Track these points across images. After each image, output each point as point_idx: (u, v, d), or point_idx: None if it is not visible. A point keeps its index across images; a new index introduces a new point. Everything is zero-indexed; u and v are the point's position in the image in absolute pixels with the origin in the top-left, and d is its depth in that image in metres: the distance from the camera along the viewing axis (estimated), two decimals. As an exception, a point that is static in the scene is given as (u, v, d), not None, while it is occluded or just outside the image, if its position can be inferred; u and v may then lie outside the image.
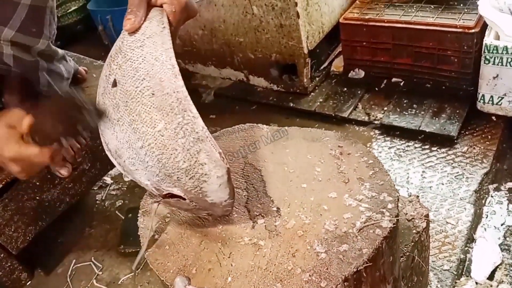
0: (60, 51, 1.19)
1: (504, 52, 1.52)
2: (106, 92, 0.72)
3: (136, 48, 0.70)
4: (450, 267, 1.27)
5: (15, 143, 0.78)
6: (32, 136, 0.80)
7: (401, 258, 0.88)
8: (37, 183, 1.22)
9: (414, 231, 0.93)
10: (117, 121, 0.70)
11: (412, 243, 0.91)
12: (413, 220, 0.95)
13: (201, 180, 0.68)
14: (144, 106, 0.67)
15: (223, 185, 0.69)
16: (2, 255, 1.20)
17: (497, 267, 1.29)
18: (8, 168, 0.82)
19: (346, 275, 0.66)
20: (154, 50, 0.69)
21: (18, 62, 1.04)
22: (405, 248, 0.90)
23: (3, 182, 1.14)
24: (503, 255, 1.30)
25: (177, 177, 0.68)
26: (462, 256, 1.31)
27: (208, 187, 0.68)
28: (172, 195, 0.72)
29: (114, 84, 0.70)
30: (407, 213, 0.97)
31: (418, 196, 1.00)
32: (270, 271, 0.70)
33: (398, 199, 0.75)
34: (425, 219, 0.94)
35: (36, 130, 0.80)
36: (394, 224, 0.71)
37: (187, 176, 0.67)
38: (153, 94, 0.66)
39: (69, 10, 3.30)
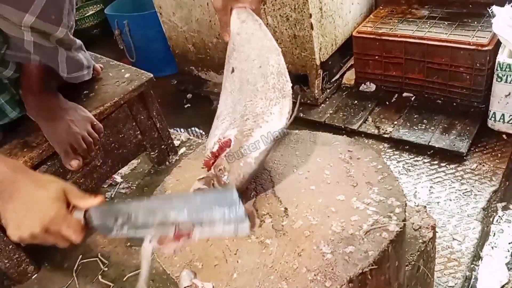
0: (78, 41, 1.21)
1: (517, 70, 1.53)
2: (227, 79, 0.92)
3: (246, 44, 0.91)
4: (455, 284, 1.26)
5: (64, 208, 0.72)
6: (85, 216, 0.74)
7: (407, 267, 0.88)
8: (49, 177, 1.23)
9: (420, 240, 0.93)
10: (230, 92, 0.89)
11: (418, 253, 0.91)
12: (419, 229, 0.95)
13: (259, 124, 0.80)
14: (252, 74, 0.86)
15: (263, 151, 0.78)
16: (10, 246, 1.21)
17: (503, 286, 1.27)
18: (26, 227, 0.72)
19: (351, 276, 0.66)
20: (261, 40, 0.89)
21: (38, 48, 1.06)
22: (411, 257, 0.90)
23: (16, 174, 1.16)
24: (510, 274, 1.29)
25: (246, 118, 0.82)
26: (468, 273, 1.30)
27: (255, 135, 0.79)
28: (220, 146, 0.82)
29: (232, 70, 0.90)
30: (414, 223, 0.97)
31: (425, 207, 1.00)
32: (276, 269, 0.70)
33: (406, 204, 0.75)
34: (431, 229, 0.94)
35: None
36: (401, 228, 0.71)
37: (253, 118, 0.81)
38: (260, 66, 0.86)
39: (87, 14, 3.38)
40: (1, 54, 1.09)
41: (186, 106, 2.45)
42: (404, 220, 0.72)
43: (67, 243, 0.74)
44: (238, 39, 0.91)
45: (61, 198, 0.73)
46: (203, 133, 2.11)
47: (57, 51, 1.11)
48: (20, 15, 0.97)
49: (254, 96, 0.84)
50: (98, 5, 3.48)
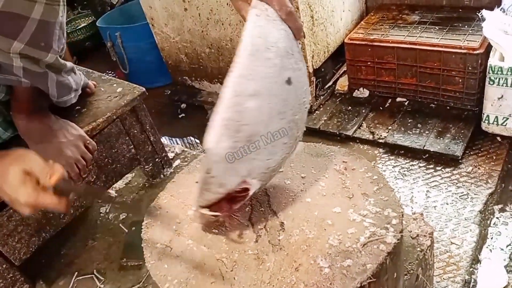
0: (69, 64, 1.20)
1: (509, 73, 1.53)
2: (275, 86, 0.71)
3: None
4: (455, 288, 1.25)
5: (32, 190, 0.77)
6: (54, 187, 0.79)
7: (405, 276, 0.88)
8: (42, 195, 1.22)
9: (418, 249, 0.92)
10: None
11: (416, 261, 0.90)
12: (417, 238, 0.94)
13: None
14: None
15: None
16: (4, 266, 1.19)
17: (502, 289, 1.27)
18: (17, 208, 0.81)
19: (350, 290, 0.65)
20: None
21: (28, 73, 1.05)
22: (409, 266, 0.90)
23: (9, 193, 1.14)
24: (509, 277, 1.29)
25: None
26: (467, 277, 1.29)
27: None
28: None
29: (289, 81, 0.72)
30: (411, 231, 0.96)
31: (422, 214, 0.99)
32: (273, 285, 0.69)
33: (402, 215, 0.75)
34: (429, 237, 0.94)
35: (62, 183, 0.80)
36: (398, 240, 0.70)
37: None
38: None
39: (79, 27, 3.37)
40: None
41: (180, 116, 2.45)
42: (401, 231, 0.72)
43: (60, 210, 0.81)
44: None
45: (25, 182, 0.77)
46: (198, 142, 2.11)
47: (46, 76, 1.10)
48: (9, 42, 0.95)
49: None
50: (90, 18, 3.48)
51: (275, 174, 0.80)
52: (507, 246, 1.38)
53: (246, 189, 0.75)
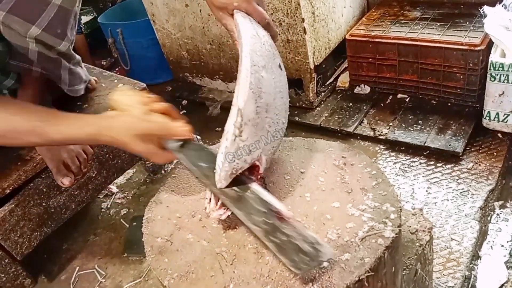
0: (77, 57, 1.22)
1: (510, 69, 1.53)
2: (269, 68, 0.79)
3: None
4: (455, 284, 1.26)
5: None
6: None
7: (404, 271, 0.88)
8: (44, 190, 1.23)
9: (417, 244, 0.93)
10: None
11: (415, 256, 0.91)
12: (416, 233, 0.95)
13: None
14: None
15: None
16: (6, 261, 1.21)
17: (502, 285, 1.27)
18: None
19: (348, 284, 0.66)
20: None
21: (42, 58, 1.06)
22: (408, 261, 0.90)
23: (11, 188, 1.16)
24: (509, 273, 1.29)
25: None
26: (467, 273, 1.30)
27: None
28: None
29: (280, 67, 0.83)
30: (410, 226, 0.97)
31: (421, 209, 1.00)
32: (272, 279, 0.70)
33: (400, 209, 0.75)
34: (428, 232, 0.94)
35: None
36: (396, 234, 0.71)
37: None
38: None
39: (80, 23, 3.37)
40: (4, 64, 1.08)
41: (181, 112, 2.45)
42: (400, 225, 0.72)
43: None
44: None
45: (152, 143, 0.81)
46: (199, 138, 2.11)
47: (60, 62, 1.12)
48: (27, 26, 0.96)
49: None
50: (91, 14, 3.47)
51: (272, 157, 0.85)
52: (507, 242, 1.39)
53: (257, 167, 0.79)
